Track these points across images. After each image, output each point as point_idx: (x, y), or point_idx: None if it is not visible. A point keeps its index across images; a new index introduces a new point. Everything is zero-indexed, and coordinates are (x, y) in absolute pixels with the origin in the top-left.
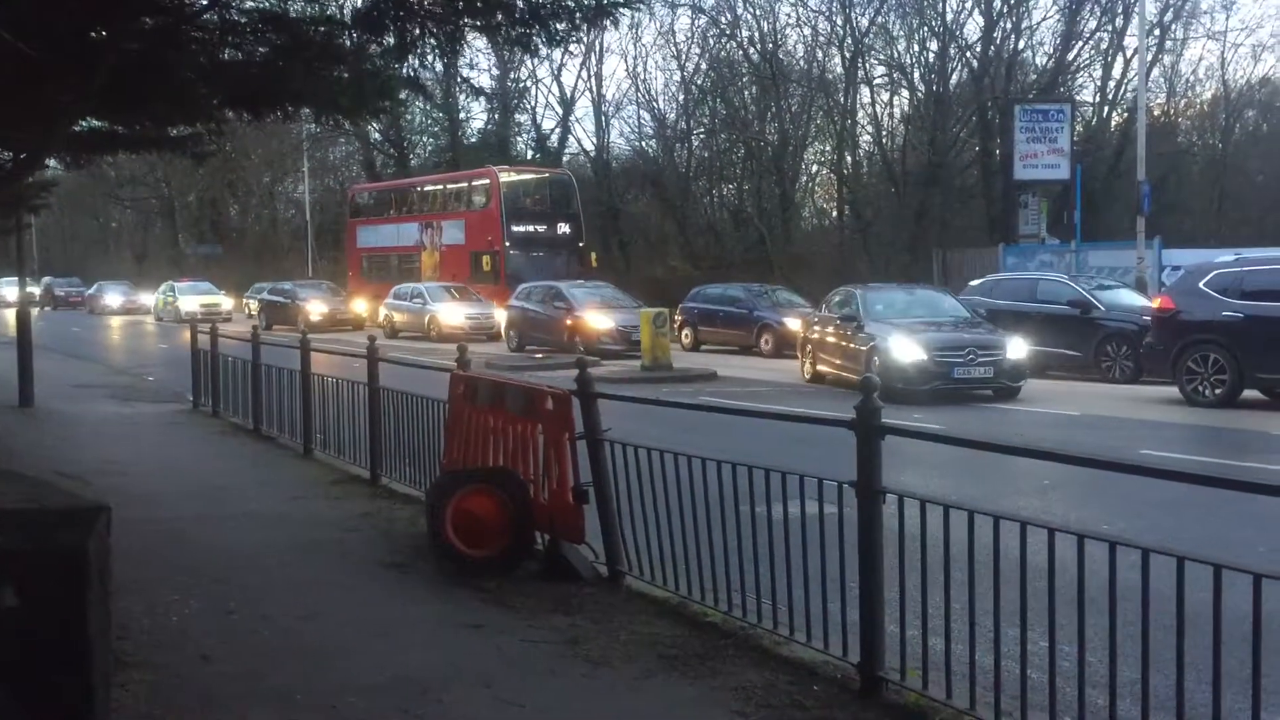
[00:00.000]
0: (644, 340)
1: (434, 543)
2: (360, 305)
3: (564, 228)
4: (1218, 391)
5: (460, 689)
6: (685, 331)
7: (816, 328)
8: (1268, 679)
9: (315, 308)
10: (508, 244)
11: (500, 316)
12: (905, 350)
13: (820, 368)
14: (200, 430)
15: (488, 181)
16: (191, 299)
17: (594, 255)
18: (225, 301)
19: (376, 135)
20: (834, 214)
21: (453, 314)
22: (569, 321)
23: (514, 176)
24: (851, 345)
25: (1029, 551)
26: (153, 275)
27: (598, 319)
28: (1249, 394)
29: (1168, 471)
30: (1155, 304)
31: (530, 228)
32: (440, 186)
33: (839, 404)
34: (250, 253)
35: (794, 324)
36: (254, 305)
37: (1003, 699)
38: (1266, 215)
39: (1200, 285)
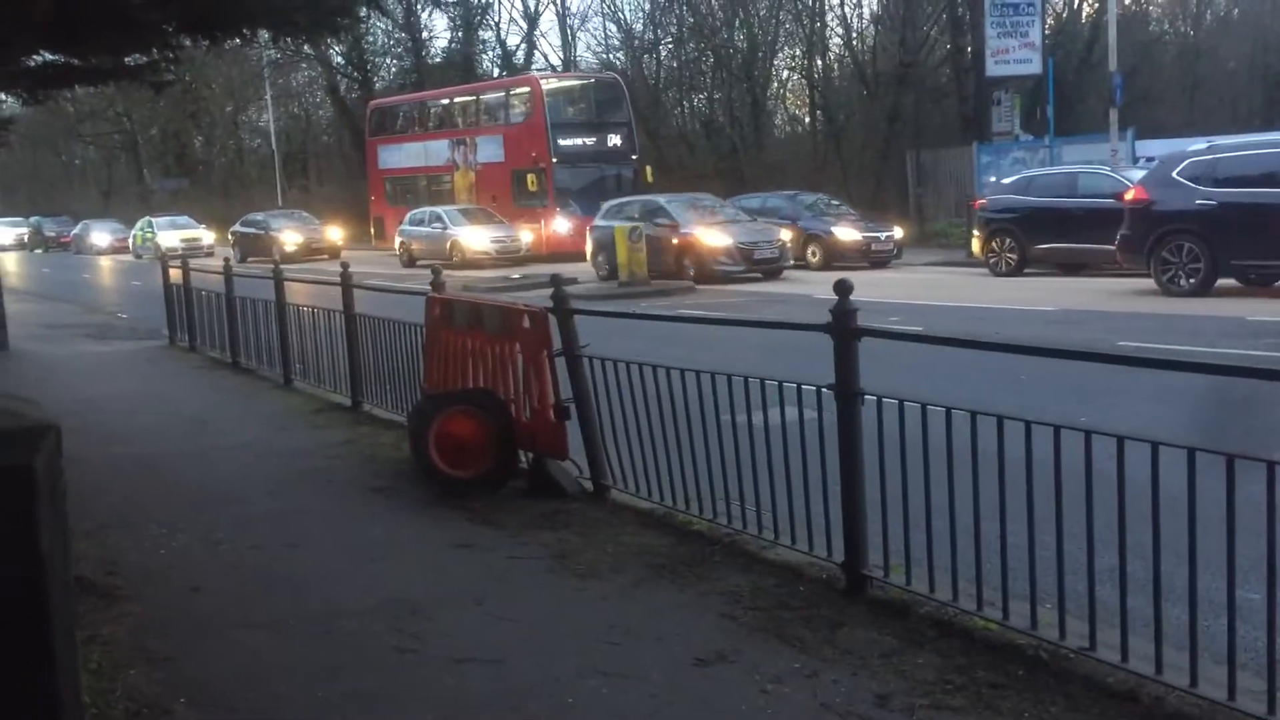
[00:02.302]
0: (619, 255)
1: (418, 465)
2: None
3: (615, 139)
4: (1193, 281)
5: (451, 607)
6: None
7: None
8: (1242, 558)
9: (289, 237)
10: (555, 159)
11: (526, 239)
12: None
13: None
14: (178, 366)
15: (529, 90)
16: (171, 234)
17: (648, 169)
18: (205, 235)
19: (339, 59)
20: (806, 120)
21: (477, 238)
22: (675, 241)
23: (558, 83)
24: None
25: (1007, 445)
26: (120, 212)
27: (712, 236)
28: (1224, 282)
29: (1134, 359)
30: (1129, 195)
31: (578, 140)
32: (473, 98)
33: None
34: (218, 185)
35: (845, 233)
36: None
37: (984, 590)
38: (1239, 101)
39: (1173, 175)
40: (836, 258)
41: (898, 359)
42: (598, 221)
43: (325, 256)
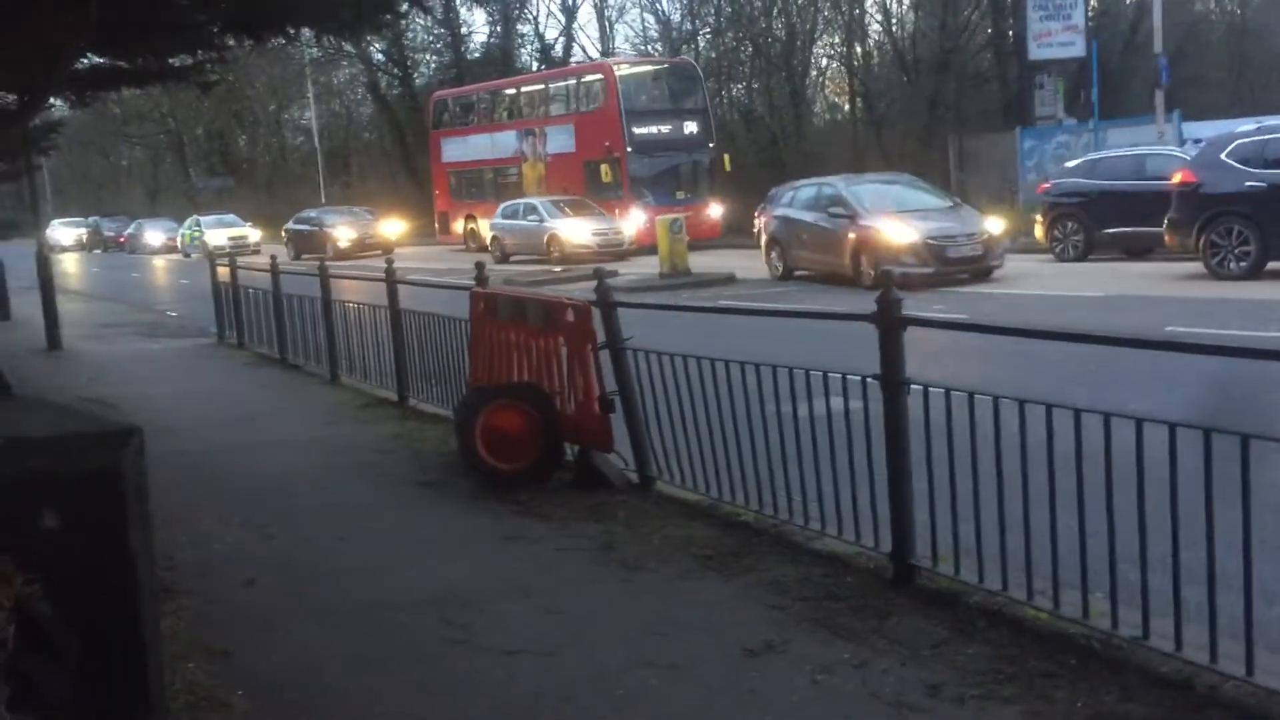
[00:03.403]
0: (661, 246)
1: (465, 459)
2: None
3: (691, 126)
4: (1243, 264)
5: (500, 599)
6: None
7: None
8: None
9: (343, 233)
10: (630, 149)
11: (629, 231)
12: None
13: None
14: (227, 362)
15: (601, 77)
16: (218, 232)
17: (727, 158)
18: (252, 233)
19: (379, 56)
20: (846, 108)
21: (578, 231)
22: (852, 235)
23: (631, 69)
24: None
25: (1055, 434)
26: (167, 211)
27: (896, 229)
28: (1275, 265)
29: (1186, 345)
30: (1176, 178)
31: (654, 129)
32: (541, 86)
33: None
34: (262, 183)
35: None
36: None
37: (1035, 580)
38: None
39: (1222, 157)
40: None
41: (944, 348)
42: (772, 211)
43: (379, 252)
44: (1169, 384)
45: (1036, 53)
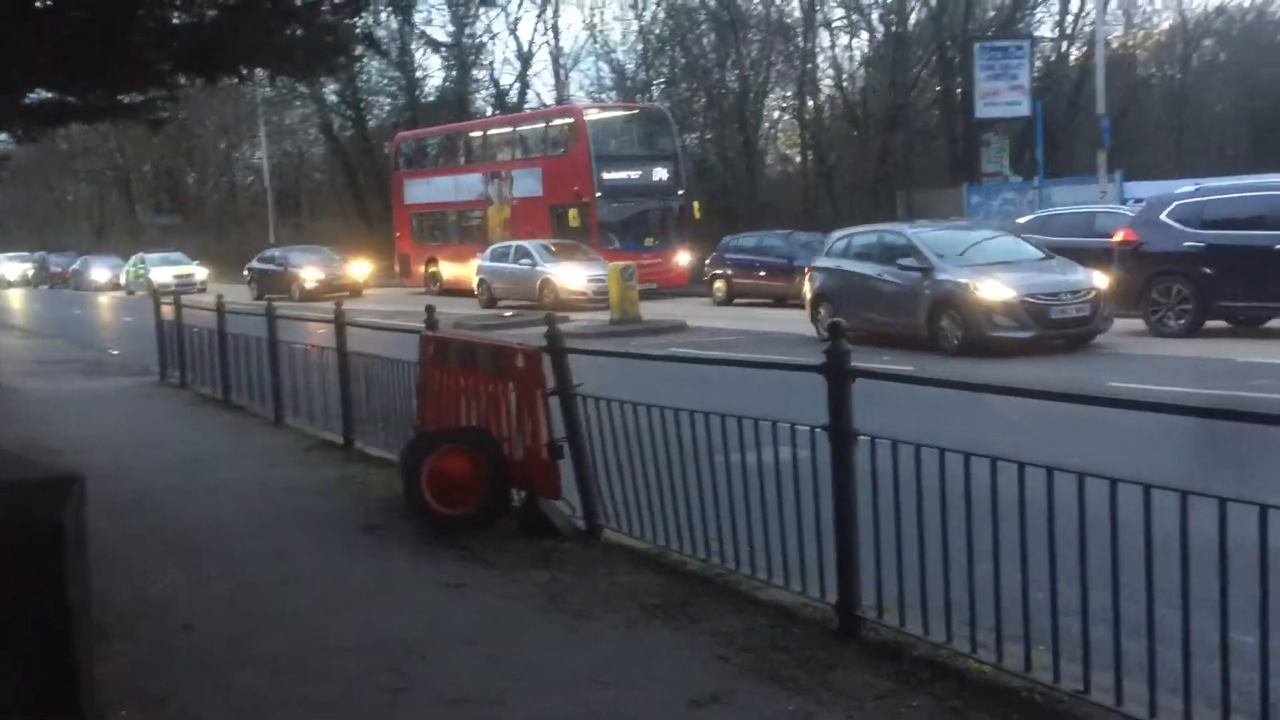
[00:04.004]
0: (612, 293)
1: (411, 504)
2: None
3: (661, 173)
4: (1182, 322)
5: (443, 647)
6: (718, 284)
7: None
8: (1235, 600)
9: (310, 274)
10: (599, 194)
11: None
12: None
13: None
14: (169, 402)
15: (571, 121)
16: (164, 270)
17: (697, 205)
18: (199, 271)
19: (333, 97)
20: (797, 160)
21: (572, 276)
22: (929, 291)
23: (601, 114)
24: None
25: (1000, 487)
26: (112, 247)
27: (987, 286)
28: (1213, 323)
29: (1128, 401)
30: (1118, 237)
31: (624, 174)
32: (509, 129)
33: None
34: (210, 221)
35: None
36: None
37: (979, 632)
38: (1226, 144)
39: (1162, 217)
40: None
41: (891, 398)
42: (822, 262)
43: (347, 294)
44: (1113, 436)
45: (983, 111)
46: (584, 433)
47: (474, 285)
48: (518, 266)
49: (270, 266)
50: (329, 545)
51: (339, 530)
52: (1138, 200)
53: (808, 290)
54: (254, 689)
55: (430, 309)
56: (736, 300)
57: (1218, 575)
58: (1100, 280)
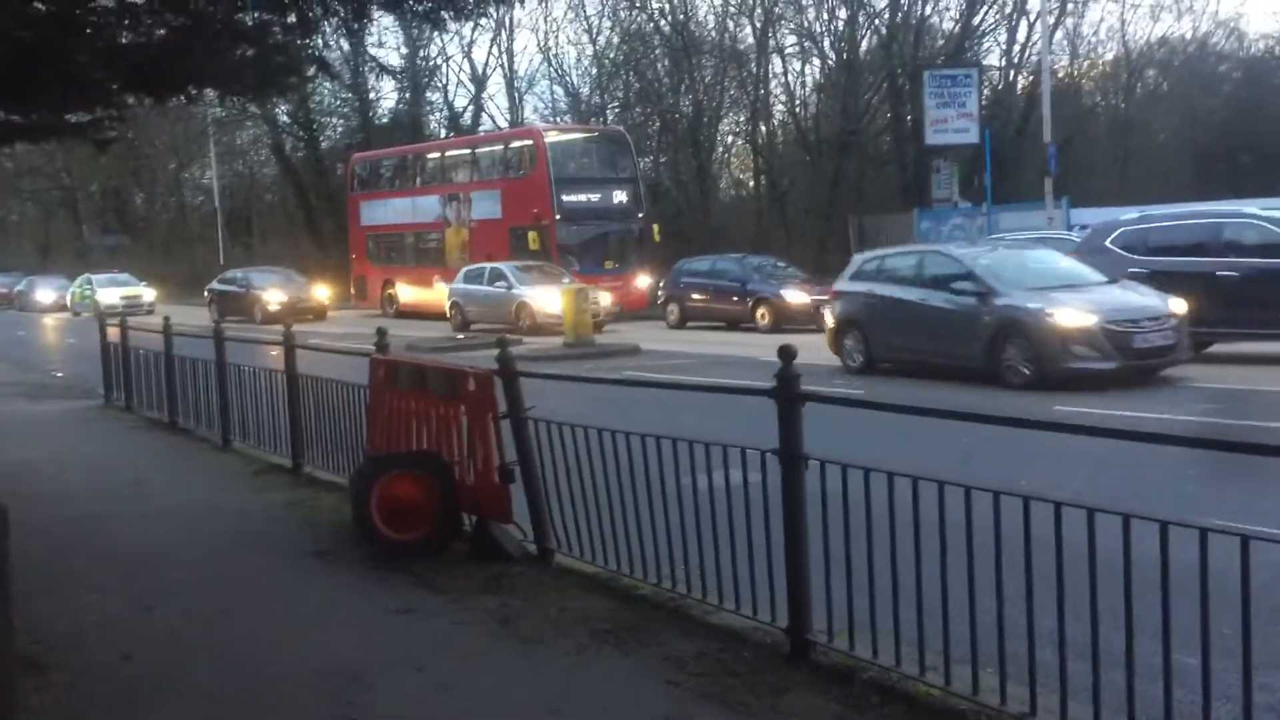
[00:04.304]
0: (566, 316)
1: (360, 528)
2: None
3: (621, 196)
4: None
5: (391, 675)
6: (671, 308)
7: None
8: (1177, 621)
9: (272, 296)
10: (558, 216)
11: (605, 300)
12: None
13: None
14: (113, 426)
15: (531, 143)
16: (111, 291)
17: (656, 228)
18: (147, 293)
19: (285, 118)
20: (750, 184)
21: (549, 299)
22: (986, 318)
23: (561, 136)
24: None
25: (948, 510)
26: (57, 268)
27: (1064, 313)
28: None
29: (1078, 427)
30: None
31: (583, 197)
32: (467, 151)
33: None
34: (159, 242)
35: (794, 296)
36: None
37: (927, 655)
38: (1169, 172)
39: (1106, 243)
40: (785, 320)
41: (845, 422)
42: (847, 286)
43: (310, 318)
44: (1062, 459)
45: (933, 138)
46: (536, 456)
47: (445, 308)
48: (492, 289)
49: (231, 288)
50: (276, 571)
51: (286, 556)
52: (1083, 227)
53: (829, 317)
54: None
55: (381, 331)
56: (690, 324)
57: (1160, 598)
58: (1177, 305)
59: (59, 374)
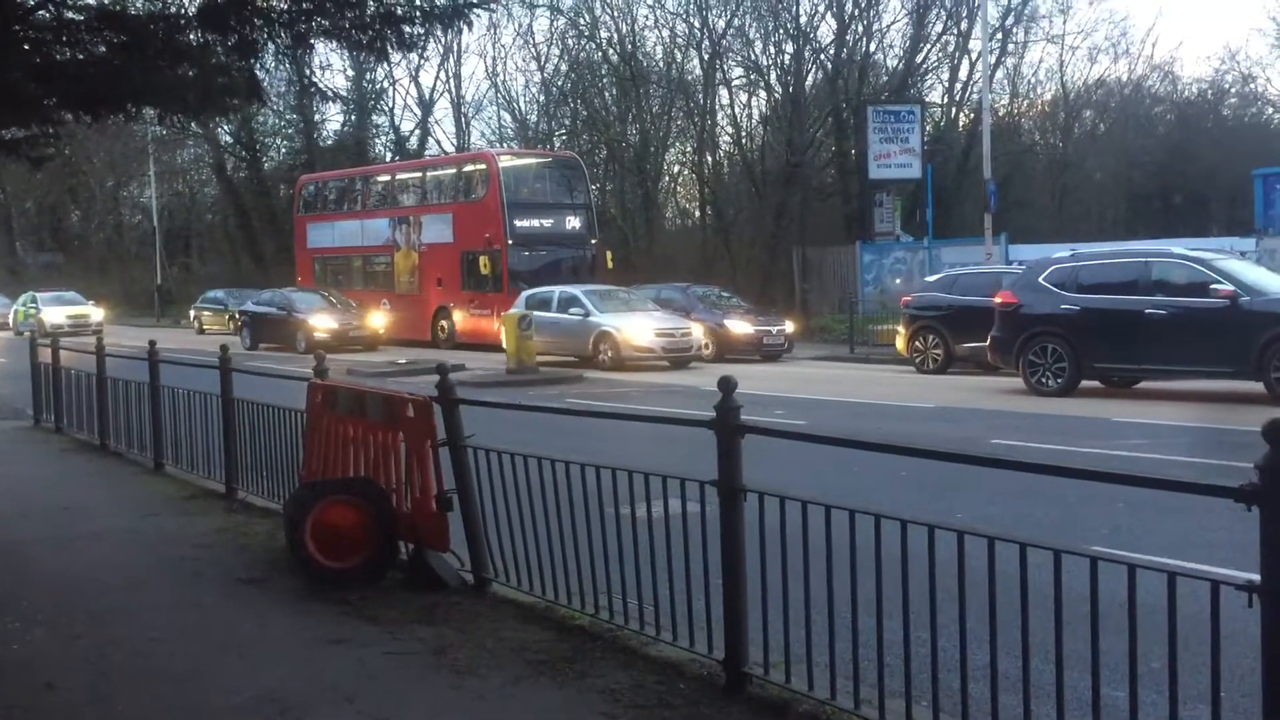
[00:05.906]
0: (508, 342)
1: (293, 556)
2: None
3: (573, 221)
4: (1059, 381)
5: (322, 706)
6: None
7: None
8: (1107, 655)
9: (320, 321)
10: (510, 241)
11: (698, 332)
12: None
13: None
14: (41, 448)
15: (484, 167)
16: (57, 310)
17: (610, 254)
18: (94, 312)
19: (227, 138)
20: (696, 214)
21: (639, 331)
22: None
23: (515, 160)
24: None
25: (884, 543)
26: None
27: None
28: (1088, 383)
29: (1013, 462)
30: (998, 299)
31: (536, 222)
32: (418, 174)
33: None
34: (95, 261)
35: (738, 326)
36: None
37: (861, 688)
38: (1105, 210)
39: (1040, 280)
40: (729, 350)
41: (785, 453)
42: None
43: (360, 348)
44: (994, 493)
45: (876, 172)
46: (474, 484)
47: (501, 338)
48: (566, 317)
49: (269, 310)
50: (206, 599)
51: (217, 583)
52: (1020, 263)
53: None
54: None
55: (320, 356)
56: None
57: (1089, 631)
58: None
59: None
